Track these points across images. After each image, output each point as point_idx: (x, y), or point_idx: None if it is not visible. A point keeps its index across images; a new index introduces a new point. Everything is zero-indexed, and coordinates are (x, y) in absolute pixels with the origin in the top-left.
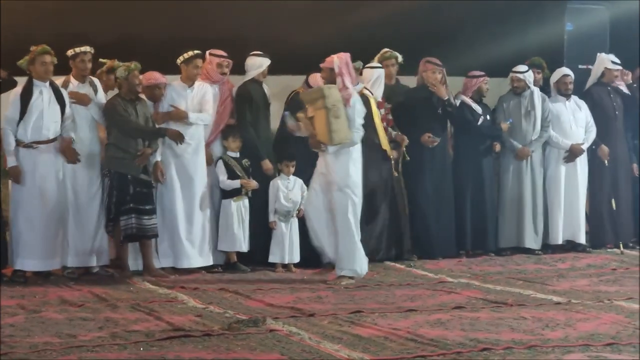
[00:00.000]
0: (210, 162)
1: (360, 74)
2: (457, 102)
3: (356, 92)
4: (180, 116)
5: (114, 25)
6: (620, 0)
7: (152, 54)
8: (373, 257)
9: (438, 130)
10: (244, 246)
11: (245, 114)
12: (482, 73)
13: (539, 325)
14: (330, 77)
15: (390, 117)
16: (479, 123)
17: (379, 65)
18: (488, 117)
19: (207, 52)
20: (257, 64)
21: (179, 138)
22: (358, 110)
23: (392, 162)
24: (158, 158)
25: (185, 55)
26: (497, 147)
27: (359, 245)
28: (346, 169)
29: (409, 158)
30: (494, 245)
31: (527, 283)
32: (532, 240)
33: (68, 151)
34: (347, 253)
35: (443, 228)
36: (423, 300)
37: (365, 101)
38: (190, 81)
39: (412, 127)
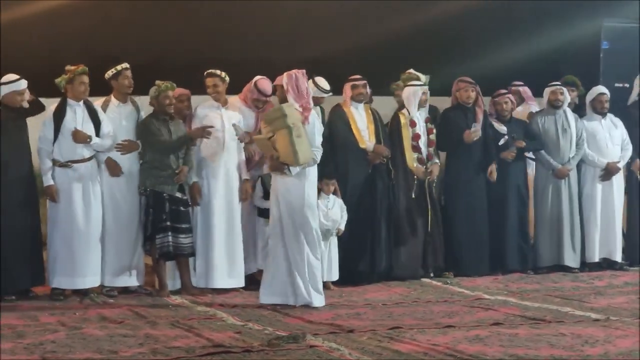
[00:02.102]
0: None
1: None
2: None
3: (314, 110)
4: (83, 138)
5: (142, 46)
6: None
7: (181, 74)
8: (409, 275)
9: (475, 148)
10: None
11: None
12: (504, 91)
13: (578, 341)
14: (282, 95)
15: (432, 137)
16: (500, 143)
17: (414, 83)
18: (514, 136)
19: (253, 82)
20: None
21: (203, 133)
22: (317, 128)
23: (416, 182)
24: (195, 179)
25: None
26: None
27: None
28: (302, 191)
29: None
30: (531, 263)
31: (565, 300)
32: (571, 259)
33: (109, 165)
34: (305, 278)
35: (479, 246)
36: (461, 316)
37: (396, 119)
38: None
39: (449, 146)
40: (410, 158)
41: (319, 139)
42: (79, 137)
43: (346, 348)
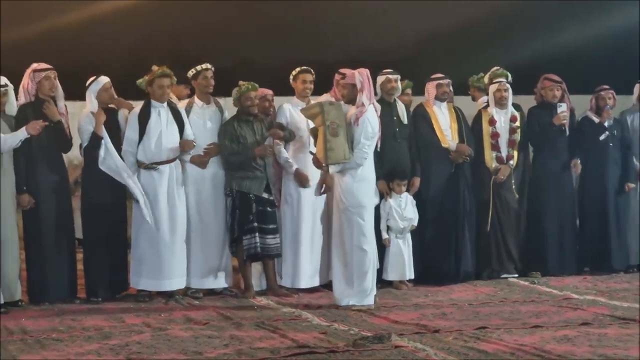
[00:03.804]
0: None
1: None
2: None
3: (373, 109)
4: (189, 146)
5: (227, 48)
6: None
7: (266, 75)
8: (493, 275)
9: (562, 147)
10: None
11: None
12: (607, 87)
13: None
14: (351, 94)
15: (514, 137)
16: (601, 139)
17: (498, 81)
18: (615, 132)
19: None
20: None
21: (265, 153)
22: (366, 130)
23: (492, 180)
24: (294, 166)
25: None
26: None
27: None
28: (350, 190)
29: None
30: (618, 263)
31: None
32: None
33: (195, 160)
34: (355, 278)
35: (566, 245)
36: (548, 316)
37: (478, 117)
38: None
39: (535, 144)
40: (489, 156)
41: (364, 142)
42: (186, 146)
43: (432, 348)
